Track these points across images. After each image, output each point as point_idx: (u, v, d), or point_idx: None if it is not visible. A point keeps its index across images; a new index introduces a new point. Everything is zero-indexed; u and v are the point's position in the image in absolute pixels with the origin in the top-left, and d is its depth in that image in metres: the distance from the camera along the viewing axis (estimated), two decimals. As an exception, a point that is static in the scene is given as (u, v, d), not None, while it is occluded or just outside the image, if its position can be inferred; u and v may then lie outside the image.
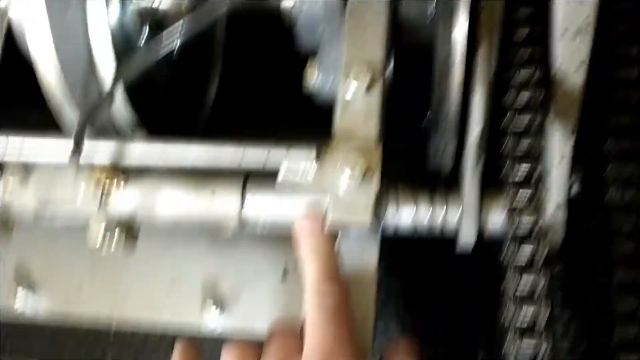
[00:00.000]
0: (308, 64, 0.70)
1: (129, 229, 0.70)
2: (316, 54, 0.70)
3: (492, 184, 0.67)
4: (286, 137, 0.88)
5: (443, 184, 0.67)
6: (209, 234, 0.86)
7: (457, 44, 0.58)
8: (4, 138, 0.65)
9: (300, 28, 0.70)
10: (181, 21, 0.65)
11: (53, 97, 0.66)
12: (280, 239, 0.86)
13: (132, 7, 0.70)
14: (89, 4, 0.63)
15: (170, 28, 0.65)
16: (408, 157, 0.75)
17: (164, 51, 0.56)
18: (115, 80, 0.55)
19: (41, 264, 0.88)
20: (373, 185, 0.61)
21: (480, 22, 0.57)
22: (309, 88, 0.72)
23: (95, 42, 0.64)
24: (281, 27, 0.74)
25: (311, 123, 0.69)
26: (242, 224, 0.69)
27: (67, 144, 0.63)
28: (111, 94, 0.55)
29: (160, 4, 0.74)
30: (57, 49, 0.63)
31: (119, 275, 0.87)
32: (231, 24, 0.89)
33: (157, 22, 0.75)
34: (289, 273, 0.84)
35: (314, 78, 0.70)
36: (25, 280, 0.86)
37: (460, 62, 0.57)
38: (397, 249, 0.78)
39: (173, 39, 0.59)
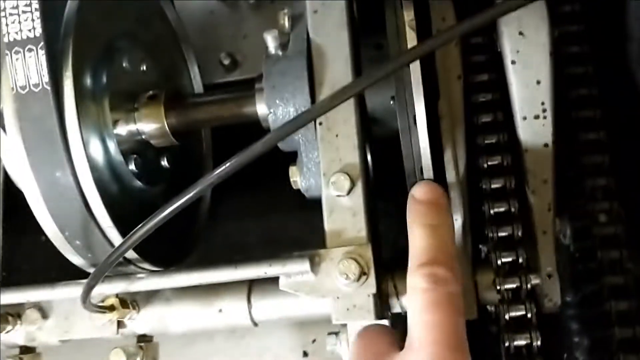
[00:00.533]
0: (290, 169, 0.73)
1: (149, 346, 0.74)
2: (297, 156, 0.73)
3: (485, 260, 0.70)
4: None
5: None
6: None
7: (422, 149, 0.60)
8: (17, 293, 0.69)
9: (277, 136, 0.72)
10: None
11: (56, 246, 0.69)
12: (297, 324, 0.89)
13: (113, 141, 0.72)
14: (73, 157, 0.66)
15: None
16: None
17: (167, 217, 0.59)
18: (119, 248, 0.59)
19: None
20: (370, 287, 0.64)
21: (442, 130, 0.59)
22: (295, 187, 0.74)
23: (86, 192, 0.67)
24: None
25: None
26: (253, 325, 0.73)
27: (78, 290, 0.66)
28: (115, 260, 0.59)
29: (143, 127, 0.77)
30: (49, 207, 0.66)
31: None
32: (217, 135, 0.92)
33: (144, 144, 0.78)
34: (309, 355, 0.87)
35: (297, 181, 0.72)
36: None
37: (428, 165, 0.59)
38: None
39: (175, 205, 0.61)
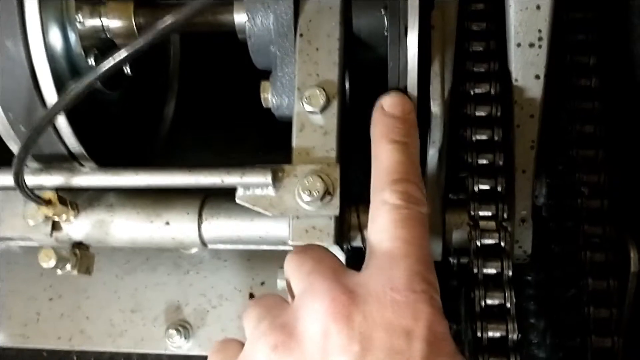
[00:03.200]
0: (262, 84, 0.68)
1: (84, 254, 0.68)
2: (270, 72, 0.68)
3: (456, 201, 0.66)
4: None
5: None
6: (170, 260, 0.84)
7: (410, 61, 0.56)
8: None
9: (253, 47, 0.67)
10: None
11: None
12: (242, 262, 0.84)
13: (74, 32, 0.66)
14: (29, 39, 0.61)
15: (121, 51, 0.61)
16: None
17: (109, 72, 0.53)
18: (54, 106, 0.52)
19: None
20: (333, 208, 0.59)
21: (433, 39, 0.55)
22: (266, 105, 0.69)
23: (39, 76, 0.61)
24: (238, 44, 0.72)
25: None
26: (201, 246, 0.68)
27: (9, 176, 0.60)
28: (49, 120, 0.52)
29: (108, 23, 0.71)
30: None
31: (78, 303, 0.85)
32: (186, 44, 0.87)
33: (107, 42, 0.73)
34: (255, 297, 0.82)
35: (268, 98, 0.67)
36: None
37: (413, 78, 0.55)
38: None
39: (121, 60, 0.55)
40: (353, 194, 0.66)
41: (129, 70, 0.75)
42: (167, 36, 0.73)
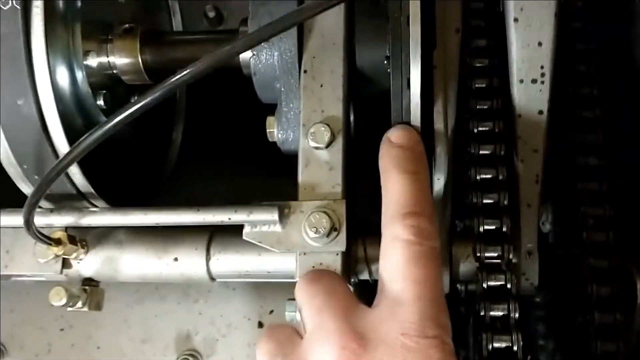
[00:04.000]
0: (267, 119, 0.68)
1: (94, 291, 0.69)
2: (275, 107, 0.69)
3: (461, 232, 0.66)
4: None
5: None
6: (179, 289, 0.85)
7: (412, 97, 0.56)
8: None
9: (258, 83, 0.68)
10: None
11: (13, 179, 0.65)
12: (251, 290, 0.85)
13: (81, 70, 0.67)
14: (38, 84, 0.62)
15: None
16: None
17: (121, 124, 0.54)
18: (65, 157, 0.53)
19: (8, 325, 0.85)
20: (339, 244, 0.60)
21: (435, 78, 0.56)
22: (271, 139, 0.70)
23: (49, 124, 0.62)
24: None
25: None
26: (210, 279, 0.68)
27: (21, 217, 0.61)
28: (60, 171, 0.53)
29: (115, 60, 0.73)
30: (8, 137, 0.62)
31: (89, 333, 0.85)
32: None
33: (115, 79, 0.74)
34: (264, 325, 0.82)
35: (274, 132, 0.68)
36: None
37: (416, 115, 0.55)
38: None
39: (133, 111, 0.56)
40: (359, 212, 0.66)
41: (136, 105, 0.76)
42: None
